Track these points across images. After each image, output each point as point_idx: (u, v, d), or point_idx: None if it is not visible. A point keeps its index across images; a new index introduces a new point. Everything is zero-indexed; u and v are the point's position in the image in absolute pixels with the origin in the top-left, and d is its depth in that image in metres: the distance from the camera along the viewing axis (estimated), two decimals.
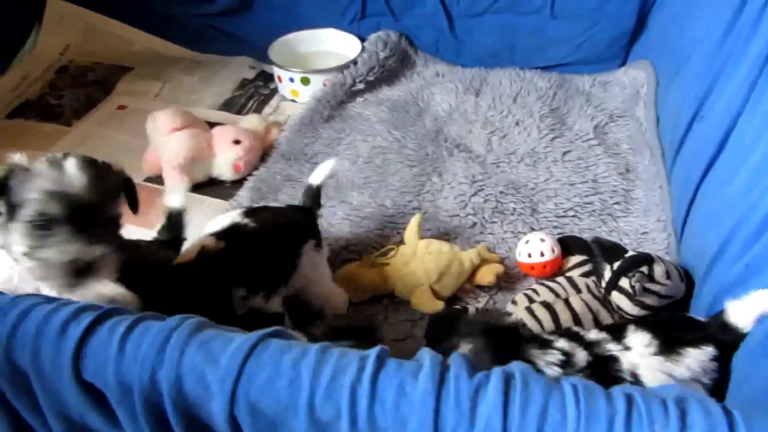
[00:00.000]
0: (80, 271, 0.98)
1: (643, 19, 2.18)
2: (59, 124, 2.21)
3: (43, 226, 0.97)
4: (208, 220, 1.80)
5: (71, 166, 1.00)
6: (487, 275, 1.52)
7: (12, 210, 0.99)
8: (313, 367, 0.68)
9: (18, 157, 1.02)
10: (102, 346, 0.72)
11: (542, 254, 1.56)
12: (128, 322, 0.73)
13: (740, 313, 1.15)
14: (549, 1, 2.20)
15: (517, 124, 2.10)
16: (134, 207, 1.15)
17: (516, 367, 0.68)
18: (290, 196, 1.87)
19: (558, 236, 1.66)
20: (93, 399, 0.75)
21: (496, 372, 0.67)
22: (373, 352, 0.69)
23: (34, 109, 2.30)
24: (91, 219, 1.00)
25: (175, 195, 1.36)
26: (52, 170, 0.99)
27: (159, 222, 1.85)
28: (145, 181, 1.96)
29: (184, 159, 1.87)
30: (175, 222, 1.35)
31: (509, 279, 1.60)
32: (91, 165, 1.02)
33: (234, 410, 0.69)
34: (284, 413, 0.68)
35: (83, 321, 0.73)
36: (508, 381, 0.65)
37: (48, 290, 1.03)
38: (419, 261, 1.49)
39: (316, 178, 1.50)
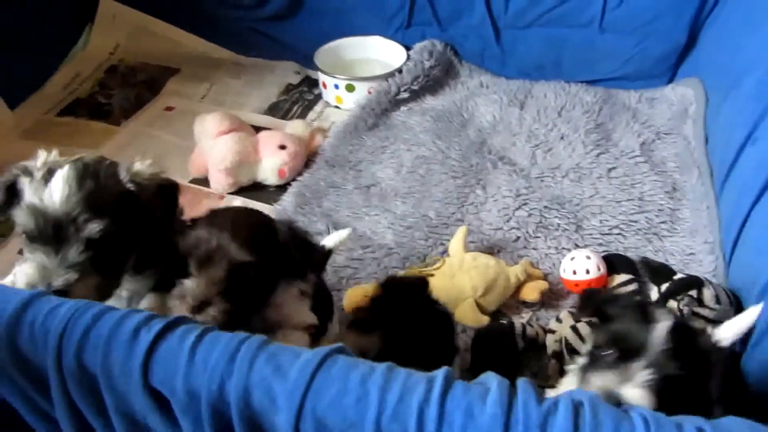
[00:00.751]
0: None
1: (693, 35, 2.15)
2: (108, 123, 2.26)
3: (29, 240, 0.91)
4: None
5: (59, 176, 0.91)
6: (531, 292, 1.52)
7: None
8: (381, 385, 0.69)
9: (43, 157, 0.96)
10: (172, 353, 0.74)
11: (588, 272, 1.55)
12: (198, 331, 0.75)
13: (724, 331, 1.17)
14: (599, 15, 2.19)
15: (561, 138, 2.08)
16: (156, 216, 1.01)
17: (584, 395, 0.68)
18: (333, 203, 1.88)
19: (603, 254, 1.65)
20: (158, 404, 0.77)
21: (564, 400, 0.67)
22: (440, 374, 0.69)
23: (85, 107, 2.35)
24: (70, 239, 0.90)
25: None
26: (40, 180, 0.92)
27: None
28: (190, 182, 1.99)
29: (231, 163, 1.90)
30: None
31: (552, 295, 1.59)
32: (84, 177, 0.92)
33: (300, 424, 0.70)
34: (350, 430, 0.68)
35: (154, 327, 0.75)
36: (577, 409, 0.65)
37: None
38: (465, 274, 1.49)
39: (330, 241, 1.45)
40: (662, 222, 1.79)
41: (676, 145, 2.05)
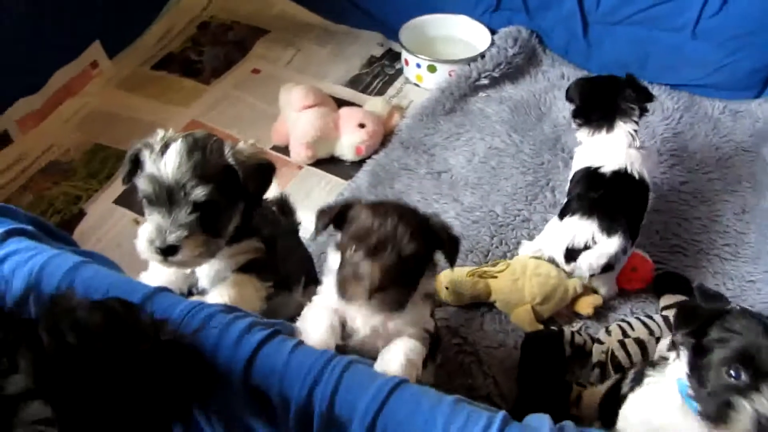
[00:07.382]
0: (164, 251, 1.06)
1: None
2: (198, 82, 2.37)
3: (148, 204, 1.08)
4: (326, 197, 1.94)
5: (172, 149, 1.06)
6: (586, 306, 1.58)
7: None
8: (447, 414, 0.79)
9: (161, 133, 1.11)
10: (271, 357, 0.85)
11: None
12: (295, 341, 0.86)
13: None
14: (693, 21, 2.13)
15: None
16: (249, 191, 1.14)
17: None
18: (405, 185, 1.96)
19: (660, 271, 1.68)
20: (260, 406, 0.87)
21: None
22: (500, 414, 0.78)
23: (177, 63, 2.46)
24: (180, 202, 1.06)
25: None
26: (158, 153, 1.07)
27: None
28: (271, 149, 2.10)
29: (312, 137, 1.99)
30: (284, 207, 1.47)
31: (603, 307, 1.64)
32: (192, 150, 1.07)
33: None
34: None
35: (256, 335, 0.86)
36: None
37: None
38: (527, 280, 1.55)
39: None
40: (726, 244, 1.80)
41: (752, 164, 2.03)
